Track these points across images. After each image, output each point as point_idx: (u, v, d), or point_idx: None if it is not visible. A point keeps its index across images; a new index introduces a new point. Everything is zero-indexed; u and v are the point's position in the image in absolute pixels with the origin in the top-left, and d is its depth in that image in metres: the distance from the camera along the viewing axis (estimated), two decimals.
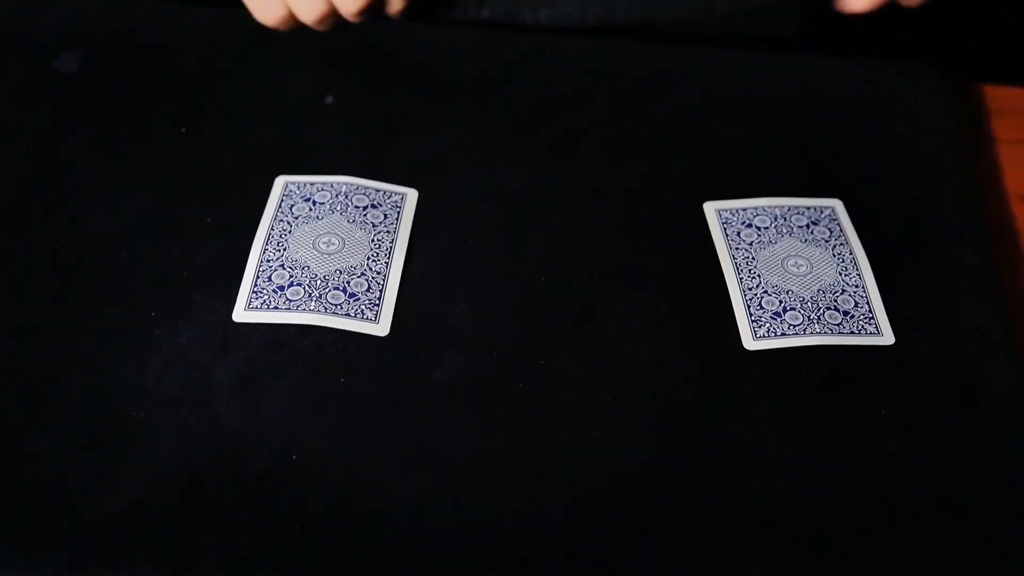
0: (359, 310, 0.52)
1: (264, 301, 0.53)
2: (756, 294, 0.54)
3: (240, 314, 0.52)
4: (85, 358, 0.50)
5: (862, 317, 0.53)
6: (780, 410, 0.50)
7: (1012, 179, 0.63)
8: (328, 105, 0.62)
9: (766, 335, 0.53)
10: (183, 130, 0.60)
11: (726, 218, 0.58)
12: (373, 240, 0.55)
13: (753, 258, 0.56)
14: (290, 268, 0.54)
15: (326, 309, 0.52)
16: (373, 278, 0.54)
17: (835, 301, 0.54)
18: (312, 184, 0.58)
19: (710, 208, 0.58)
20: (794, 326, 0.53)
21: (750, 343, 0.52)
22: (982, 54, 0.65)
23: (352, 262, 0.54)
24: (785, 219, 0.58)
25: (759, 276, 0.55)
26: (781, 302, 0.54)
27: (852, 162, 0.61)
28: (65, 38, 0.64)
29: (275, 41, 0.63)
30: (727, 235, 0.57)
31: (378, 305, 0.53)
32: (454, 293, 0.54)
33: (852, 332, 0.53)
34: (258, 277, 0.53)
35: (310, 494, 0.47)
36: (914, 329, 0.53)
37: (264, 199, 0.57)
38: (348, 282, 0.53)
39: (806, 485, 0.48)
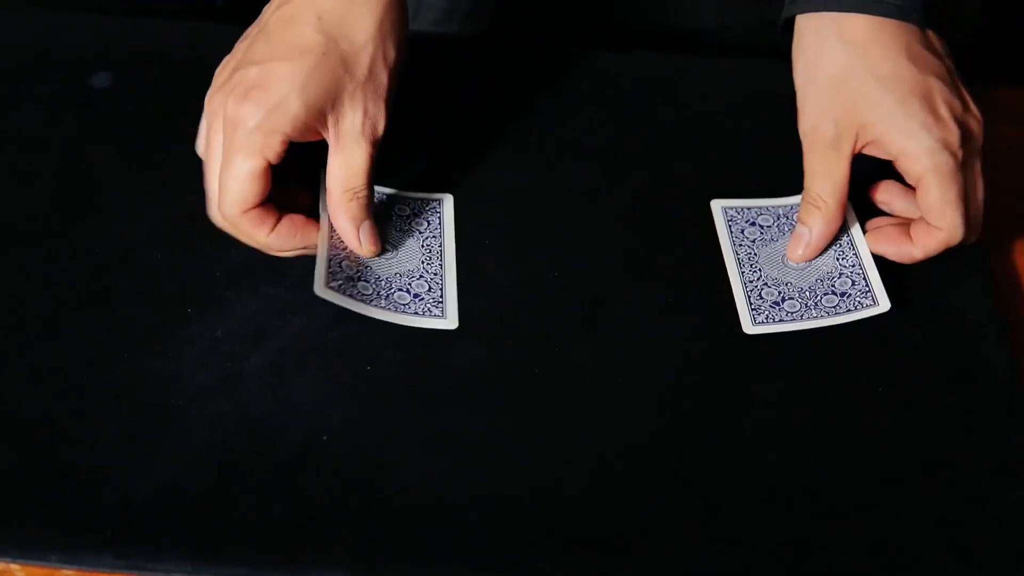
0: (426, 308, 0.55)
1: (340, 285, 0.54)
2: (756, 286, 0.57)
3: (322, 289, 0.53)
4: (121, 352, 0.53)
5: (859, 293, 0.56)
6: (779, 388, 0.53)
7: (1004, 179, 0.65)
8: None
9: (765, 321, 0.55)
10: None
11: (731, 216, 0.60)
12: (423, 245, 0.58)
13: (755, 254, 0.59)
14: (355, 262, 0.56)
15: (396, 308, 0.55)
16: (432, 279, 0.56)
17: (832, 286, 0.57)
18: None
19: (716, 206, 0.61)
20: (792, 313, 0.56)
21: (749, 328, 0.55)
22: (975, 53, 0.67)
23: (410, 266, 0.57)
24: (788, 218, 0.60)
25: (760, 270, 0.58)
26: (780, 292, 0.56)
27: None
28: (97, 55, 0.67)
29: None
30: (731, 232, 0.60)
31: (442, 302, 0.55)
32: (471, 287, 0.57)
33: (849, 310, 0.55)
34: (331, 260, 0.55)
35: (338, 474, 0.49)
36: (909, 308, 0.56)
37: None
38: (410, 284, 0.56)
39: (805, 457, 0.51)
